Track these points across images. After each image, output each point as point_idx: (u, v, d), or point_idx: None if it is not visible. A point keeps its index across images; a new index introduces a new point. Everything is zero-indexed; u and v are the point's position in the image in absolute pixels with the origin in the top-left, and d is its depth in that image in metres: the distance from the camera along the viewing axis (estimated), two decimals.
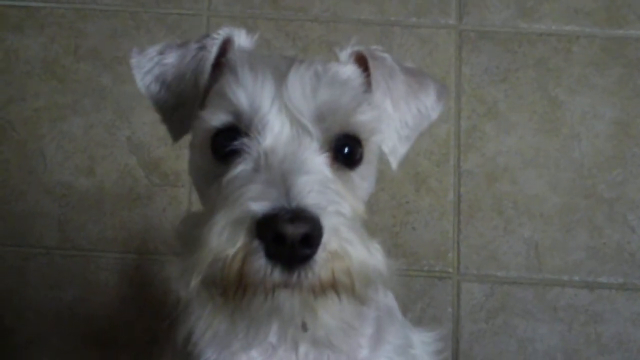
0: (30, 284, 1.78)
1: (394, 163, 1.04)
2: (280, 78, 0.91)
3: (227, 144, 0.91)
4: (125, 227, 1.80)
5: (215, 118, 0.93)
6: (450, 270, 1.76)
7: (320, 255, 0.79)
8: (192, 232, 0.85)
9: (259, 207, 0.79)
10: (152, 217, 1.81)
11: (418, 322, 1.70)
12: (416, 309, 1.74)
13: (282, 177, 0.83)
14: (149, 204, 1.81)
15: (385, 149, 1.02)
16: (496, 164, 1.81)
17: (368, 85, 1.01)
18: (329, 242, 0.80)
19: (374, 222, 1.77)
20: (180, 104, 1.03)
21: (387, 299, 1.08)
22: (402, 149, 1.04)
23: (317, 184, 0.84)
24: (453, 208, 1.78)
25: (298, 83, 0.91)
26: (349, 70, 1.00)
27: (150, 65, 1.04)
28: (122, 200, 1.81)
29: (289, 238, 0.77)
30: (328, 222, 0.80)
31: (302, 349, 0.97)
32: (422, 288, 1.75)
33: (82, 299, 1.76)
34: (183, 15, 1.93)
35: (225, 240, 0.80)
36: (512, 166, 1.80)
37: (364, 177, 0.98)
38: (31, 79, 1.89)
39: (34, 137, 1.85)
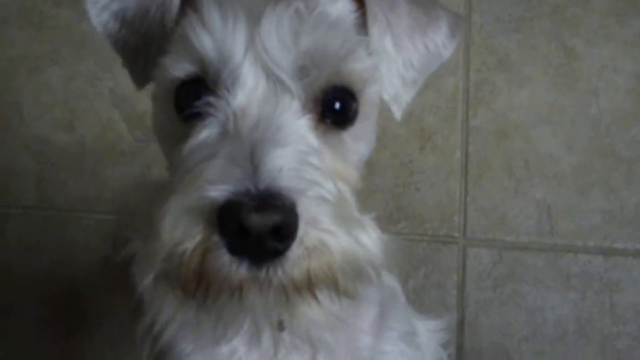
0: (6, 246, 1.74)
1: (397, 113, 0.90)
2: (256, 20, 0.78)
3: (191, 102, 0.79)
4: (108, 185, 1.74)
5: (178, 67, 0.80)
6: (456, 234, 1.69)
7: (294, 251, 0.68)
8: (150, 209, 0.72)
9: (219, 192, 0.67)
10: (137, 175, 1.74)
11: (421, 289, 1.65)
12: (419, 276, 1.67)
13: (251, 149, 0.71)
14: (133, 160, 1.74)
15: (387, 97, 0.89)
16: (507, 120, 1.73)
17: (363, 24, 0.87)
18: (306, 235, 0.68)
19: (375, 182, 1.69)
20: (143, 45, 0.89)
21: (388, 278, 0.96)
22: (407, 96, 0.90)
23: (294, 158, 0.72)
24: (460, 167, 1.72)
25: (274, 27, 0.77)
26: (340, 6, 0.86)
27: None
28: (104, 157, 1.75)
29: (254, 230, 0.66)
30: (305, 210, 0.68)
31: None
32: (425, 253, 1.68)
33: (61, 262, 1.72)
34: None
35: (181, 233, 0.68)
36: (524, 123, 1.72)
37: (359, 137, 0.85)
38: (5, 25, 1.82)
39: (9, 89, 1.79)
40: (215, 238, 0.67)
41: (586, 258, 1.67)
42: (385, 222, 1.65)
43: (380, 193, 1.68)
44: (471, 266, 1.67)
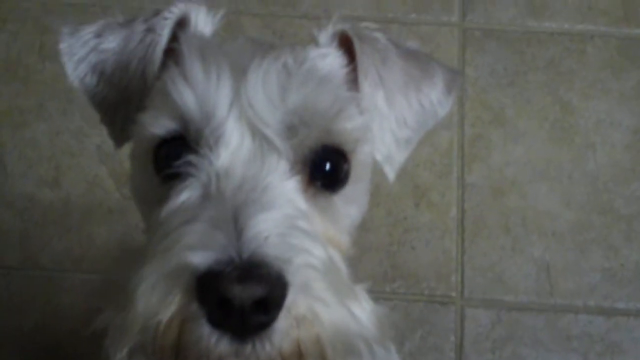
0: None
1: (390, 174, 0.86)
2: (242, 74, 0.73)
3: (171, 162, 0.74)
4: (94, 244, 1.68)
5: (158, 124, 0.75)
6: (453, 294, 1.65)
7: (282, 322, 0.63)
8: (124, 276, 0.67)
9: (200, 259, 0.62)
10: (124, 233, 1.69)
11: (417, 352, 1.60)
12: (415, 338, 1.61)
13: (234, 213, 0.66)
14: (121, 219, 1.69)
15: (379, 157, 0.84)
16: (503, 176, 1.72)
17: (355, 80, 0.82)
18: (295, 304, 0.64)
19: (369, 240, 1.66)
20: (123, 100, 0.84)
21: (388, 354, 0.90)
22: (401, 156, 0.86)
23: (281, 223, 0.67)
24: (456, 225, 1.69)
25: (261, 81, 0.73)
26: (331, 60, 0.81)
27: (84, 52, 0.85)
28: (90, 214, 1.70)
29: (236, 302, 0.61)
30: (294, 279, 0.63)
31: None
32: (422, 314, 1.63)
33: (46, 323, 1.64)
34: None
35: (157, 302, 0.63)
36: (521, 179, 1.72)
37: (350, 200, 0.80)
38: None
39: None
40: (194, 307, 0.62)
41: (587, 318, 1.63)
42: (380, 282, 1.63)
43: (375, 251, 1.65)
44: (469, 327, 1.63)
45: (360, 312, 0.69)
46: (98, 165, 1.73)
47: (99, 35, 0.85)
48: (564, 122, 1.75)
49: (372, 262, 1.64)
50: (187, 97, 0.73)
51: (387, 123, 0.83)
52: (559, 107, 1.77)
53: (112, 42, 0.85)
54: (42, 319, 1.65)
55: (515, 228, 1.69)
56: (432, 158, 1.72)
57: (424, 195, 1.70)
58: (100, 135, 1.72)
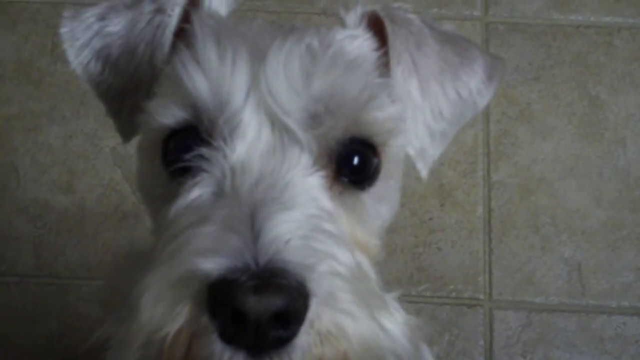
0: (2, 317, 1.65)
1: (423, 170, 0.80)
2: (261, 58, 0.67)
3: (181, 155, 0.68)
4: (110, 250, 1.66)
5: (167, 113, 0.69)
6: (481, 296, 1.63)
7: (304, 338, 0.57)
8: (128, 283, 0.62)
9: (211, 265, 0.57)
10: (141, 238, 1.65)
11: (446, 356, 1.58)
12: (443, 342, 1.58)
13: (251, 213, 0.60)
14: (137, 224, 1.67)
15: (411, 151, 0.78)
16: (531, 173, 1.70)
17: (386, 65, 0.76)
18: (319, 317, 0.58)
19: (393, 242, 1.63)
20: (130, 89, 0.79)
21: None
22: (435, 151, 0.79)
23: (304, 225, 0.62)
24: (483, 225, 1.67)
25: (282, 66, 0.67)
26: (360, 43, 0.75)
27: (88, 36, 0.80)
28: (106, 220, 1.68)
29: (252, 316, 0.55)
30: (318, 289, 0.58)
31: None
32: (449, 317, 1.61)
33: (61, 333, 1.62)
34: None
35: (162, 314, 0.58)
36: (549, 176, 1.70)
37: (381, 199, 0.74)
38: (2, 83, 1.79)
39: (5, 149, 1.74)
40: (205, 320, 0.57)
41: (620, 320, 1.61)
42: (405, 285, 1.59)
43: (400, 253, 1.62)
44: (498, 330, 1.61)
45: (392, 325, 0.64)
46: (113, 169, 1.71)
47: (103, 18, 0.80)
48: (593, 117, 1.74)
49: (397, 264, 1.61)
50: (199, 83, 0.68)
51: (421, 114, 0.78)
52: (587, 101, 1.75)
53: (117, 25, 0.79)
54: (57, 329, 1.63)
55: (545, 227, 1.66)
56: (457, 156, 1.70)
57: (449, 194, 1.68)
58: (115, 138, 1.67)
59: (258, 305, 0.55)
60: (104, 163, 1.71)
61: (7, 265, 1.67)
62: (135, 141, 0.89)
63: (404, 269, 1.61)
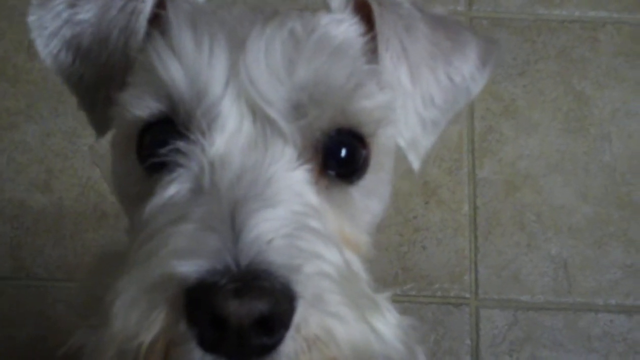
0: None
1: (415, 162, 0.77)
2: (240, 44, 0.64)
3: (156, 149, 0.65)
4: (89, 251, 1.64)
5: (140, 105, 0.66)
6: (467, 295, 1.62)
7: (290, 344, 0.54)
8: (101, 286, 0.59)
9: (189, 268, 0.54)
10: (121, 238, 1.63)
11: (432, 356, 1.56)
12: (429, 342, 1.57)
13: (231, 211, 0.57)
14: (117, 223, 1.64)
15: (402, 142, 0.75)
16: (516, 170, 1.70)
17: (373, 51, 0.73)
18: (306, 321, 0.55)
19: (378, 241, 1.57)
20: (103, 80, 0.75)
21: None
22: (427, 141, 0.76)
23: (288, 222, 0.59)
24: (468, 223, 1.66)
25: (263, 53, 0.64)
26: (346, 27, 0.72)
27: (57, 25, 0.77)
28: (84, 219, 1.67)
29: (233, 322, 0.52)
30: (304, 291, 0.55)
31: None
32: (435, 317, 1.60)
33: (41, 336, 1.60)
34: None
35: (137, 321, 0.55)
36: (535, 173, 1.70)
37: (370, 193, 0.71)
38: None
39: None
40: (182, 327, 0.54)
41: (608, 317, 1.61)
42: (390, 284, 1.58)
43: (384, 252, 1.61)
44: (485, 329, 1.60)
45: (384, 328, 0.61)
46: (92, 168, 1.69)
47: (72, 5, 0.76)
48: (578, 113, 1.74)
49: (382, 263, 1.59)
50: (175, 72, 0.65)
51: (412, 102, 0.74)
52: (572, 97, 1.75)
53: (88, 12, 0.76)
54: (35, 332, 1.61)
55: (530, 224, 1.66)
56: (441, 153, 1.69)
57: (433, 192, 1.68)
58: (93, 136, 1.65)
59: (240, 309, 0.53)
60: (82, 162, 1.70)
61: None
62: (96, 134, 0.87)
63: (388, 268, 1.60)
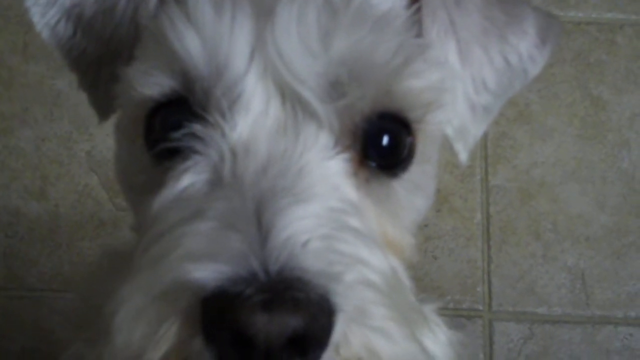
0: None
1: (463, 153, 0.70)
2: (268, 12, 0.57)
3: (168, 133, 0.58)
4: (86, 261, 1.63)
5: (150, 81, 0.58)
6: (480, 307, 1.61)
7: None
8: (101, 294, 0.52)
9: (207, 274, 0.47)
10: (121, 244, 1.62)
11: None
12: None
13: (257, 207, 0.50)
14: (114, 232, 1.65)
15: (449, 130, 0.68)
16: (531, 177, 1.68)
17: (420, 23, 0.66)
18: (346, 339, 0.48)
19: None
20: (108, 55, 0.68)
21: None
22: (478, 129, 0.69)
23: (325, 221, 0.51)
24: (481, 232, 1.64)
25: (295, 22, 0.56)
26: None
27: None
28: (81, 228, 1.65)
29: (261, 340, 0.45)
30: (345, 303, 0.48)
31: None
32: None
33: (34, 349, 1.60)
34: None
35: (143, 335, 0.48)
36: (550, 180, 1.68)
37: (416, 188, 0.64)
38: None
39: None
40: (197, 345, 0.47)
41: (627, 330, 1.60)
42: None
43: None
44: (499, 343, 1.59)
45: (435, 347, 0.55)
46: (88, 174, 1.68)
47: None
48: (595, 118, 1.71)
49: None
50: (190, 44, 0.57)
51: (461, 84, 0.67)
52: (589, 101, 1.72)
53: None
54: (30, 343, 1.60)
55: (546, 234, 1.64)
56: (454, 160, 1.62)
57: (445, 200, 1.65)
58: (89, 141, 1.69)
59: (269, 326, 0.45)
60: (78, 168, 1.68)
61: None
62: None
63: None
